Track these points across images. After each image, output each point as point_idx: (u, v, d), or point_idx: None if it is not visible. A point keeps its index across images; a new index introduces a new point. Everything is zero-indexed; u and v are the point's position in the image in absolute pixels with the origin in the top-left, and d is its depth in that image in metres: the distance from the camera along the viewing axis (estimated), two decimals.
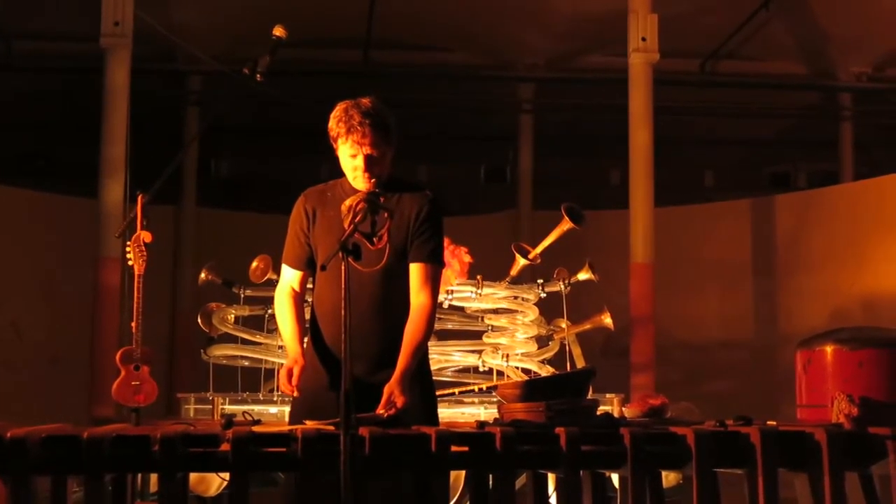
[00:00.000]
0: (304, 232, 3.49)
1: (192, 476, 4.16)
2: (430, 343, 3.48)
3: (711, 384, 11.04)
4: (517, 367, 6.59)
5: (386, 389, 3.22)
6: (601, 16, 10.85)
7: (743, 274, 11.88)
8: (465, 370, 6.77)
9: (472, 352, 6.62)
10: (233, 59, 9.79)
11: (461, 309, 6.76)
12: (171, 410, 7.37)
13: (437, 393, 3.94)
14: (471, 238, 6.85)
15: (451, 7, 11.23)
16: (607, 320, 7.09)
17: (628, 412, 3.91)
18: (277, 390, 6.16)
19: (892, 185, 10.69)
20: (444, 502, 3.36)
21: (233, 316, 6.66)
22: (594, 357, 7.43)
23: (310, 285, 3.58)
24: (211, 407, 6.24)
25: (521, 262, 6.78)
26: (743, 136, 14.09)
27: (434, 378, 3.64)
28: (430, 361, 3.63)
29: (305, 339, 3.49)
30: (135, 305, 3.54)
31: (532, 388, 3.53)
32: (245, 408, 5.95)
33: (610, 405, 6.35)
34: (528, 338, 6.71)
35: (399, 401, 3.20)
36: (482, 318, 6.75)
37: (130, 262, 3.58)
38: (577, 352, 7.05)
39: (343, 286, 2.87)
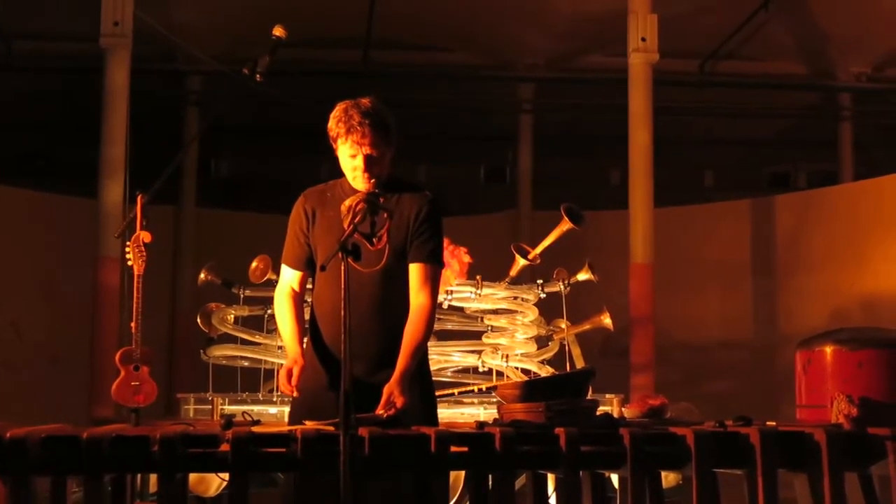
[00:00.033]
0: (303, 232, 3.49)
1: (192, 476, 4.16)
2: (429, 343, 3.48)
3: (711, 384, 11.04)
4: (517, 368, 6.59)
5: (385, 390, 3.22)
6: (601, 16, 10.85)
7: (742, 274, 11.88)
8: (465, 370, 6.76)
9: (472, 352, 6.62)
10: (233, 59, 9.80)
11: (461, 309, 6.76)
12: (170, 411, 7.38)
13: (437, 393, 3.93)
14: (470, 238, 6.85)
15: (451, 7, 11.23)
16: (607, 321, 7.09)
17: (628, 412, 3.91)
18: (277, 390, 6.16)
19: (891, 185, 10.69)
20: (444, 503, 3.35)
21: (232, 316, 6.66)
22: (594, 357, 7.43)
23: (309, 286, 3.58)
24: (210, 407, 6.24)
25: (520, 262, 6.78)
26: (742, 136, 14.10)
27: (434, 378, 3.64)
28: (430, 362, 3.63)
29: (305, 340, 3.49)
30: (134, 306, 3.53)
31: (532, 388, 3.53)
32: (244, 408, 5.95)
33: (609, 405, 6.35)
34: (527, 338, 6.71)
35: (399, 401, 3.20)
36: (482, 318, 6.75)
37: (130, 263, 3.58)
38: (576, 352, 7.05)
39: (343, 286, 2.87)
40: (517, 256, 6.79)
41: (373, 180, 3.34)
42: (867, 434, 3.37)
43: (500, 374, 6.56)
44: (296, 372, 3.30)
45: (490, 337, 6.62)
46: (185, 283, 11.72)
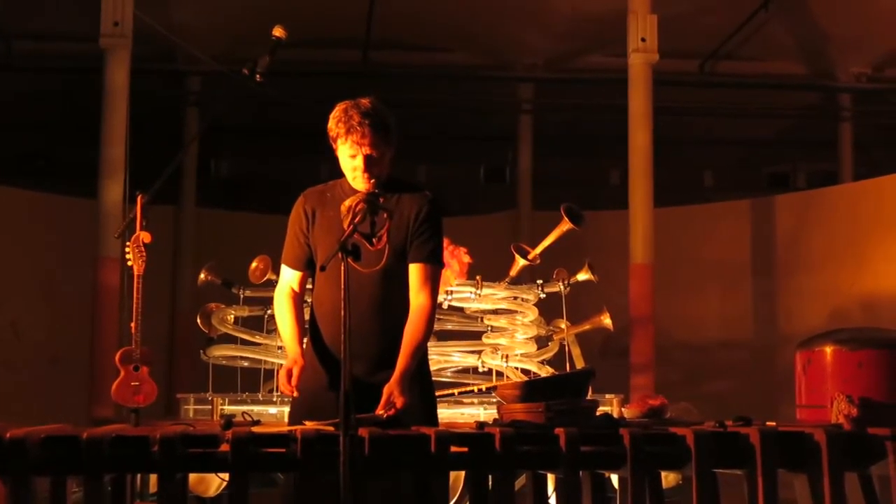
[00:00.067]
0: (303, 232, 3.48)
1: (192, 476, 4.16)
2: (429, 343, 3.48)
3: (711, 384, 11.05)
4: (517, 368, 6.59)
5: (385, 390, 3.22)
6: (601, 16, 10.85)
7: (742, 274, 11.89)
8: (465, 371, 6.76)
9: (472, 352, 6.62)
10: (232, 60, 9.79)
11: (461, 309, 6.76)
12: (170, 411, 7.37)
13: (437, 393, 3.93)
14: (470, 238, 6.85)
15: (450, 7, 11.23)
16: (607, 321, 7.09)
17: (628, 413, 3.91)
18: (277, 391, 6.16)
19: (891, 185, 10.69)
20: (444, 503, 3.35)
21: (232, 316, 6.66)
22: (594, 357, 7.43)
23: (309, 286, 3.58)
24: (210, 407, 6.24)
25: (520, 262, 6.78)
26: (742, 136, 14.10)
27: (434, 378, 3.64)
28: (430, 362, 3.63)
29: (305, 340, 3.49)
30: (134, 306, 3.53)
31: (531, 388, 3.53)
32: (244, 408, 5.95)
33: (609, 406, 6.35)
34: (527, 338, 6.71)
35: (398, 401, 3.20)
36: (482, 318, 6.75)
37: (130, 263, 3.57)
38: (576, 352, 7.05)
39: (342, 287, 2.87)
40: (517, 256, 6.79)
41: (373, 180, 3.34)
42: (867, 434, 3.37)
43: (499, 374, 6.56)
44: (296, 372, 3.30)
45: (490, 337, 6.62)
46: (185, 284, 11.72)
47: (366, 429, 2.99)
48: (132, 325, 3.52)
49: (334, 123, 3.35)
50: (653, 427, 3.37)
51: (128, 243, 3.59)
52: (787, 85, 12.83)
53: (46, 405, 9.00)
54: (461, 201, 12.61)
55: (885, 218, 10.62)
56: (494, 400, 5.83)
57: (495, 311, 6.74)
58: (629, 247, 9.68)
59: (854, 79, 12.82)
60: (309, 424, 3.14)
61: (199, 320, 6.71)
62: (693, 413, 3.91)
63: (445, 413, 5.78)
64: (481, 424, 3.29)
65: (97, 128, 9.18)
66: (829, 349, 4.07)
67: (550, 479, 3.65)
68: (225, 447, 2.94)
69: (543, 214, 10.45)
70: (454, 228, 5.39)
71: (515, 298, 6.71)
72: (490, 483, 3.05)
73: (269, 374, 6.58)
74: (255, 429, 3.12)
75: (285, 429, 3.13)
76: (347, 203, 3.23)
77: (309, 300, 3.56)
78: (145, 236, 3.57)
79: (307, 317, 3.54)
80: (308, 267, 3.51)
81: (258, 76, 3.71)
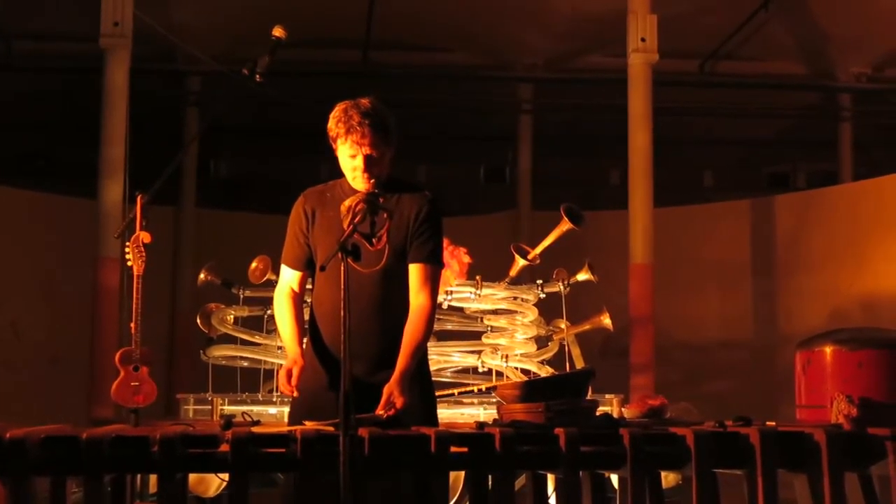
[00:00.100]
0: (303, 232, 3.48)
1: (192, 477, 4.16)
2: (429, 344, 3.48)
3: (711, 384, 11.05)
4: (516, 368, 6.59)
5: (385, 390, 3.22)
6: (601, 16, 10.85)
7: (742, 274, 11.89)
8: (465, 371, 6.76)
9: (472, 352, 6.62)
10: (232, 60, 9.80)
11: (460, 309, 6.76)
12: (170, 411, 7.37)
13: (437, 394, 3.93)
14: (470, 238, 6.85)
15: (450, 7, 11.23)
16: (606, 321, 7.09)
17: (628, 413, 3.91)
18: (277, 391, 6.16)
19: (891, 185, 10.69)
20: (444, 503, 3.35)
21: (232, 316, 6.66)
22: (593, 358, 7.42)
23: (309, 286, 3.58)
24: (210, 407, 6.24)
25: (520, 262, 6.78)
26: (742, 136, 14.10)
27: (433, 379, 3.64)
28: (430, 362, 3.63)
29: (305, 340, 3.49)
30: (134, 306, 3.53)
31: (531, 388, 3.53)
32: (244, 408, 5.95)
33: (609, 406, 6.35)
34: (527, 338, 6.71)
35: (398, 401, 3.20)
36: (481, 318, 6.75)
37: (130, 263, 3.57)
38: (576, 352, 7.05)
39: (342, 287, 2.87)
40: (517, 257, 6.79)
41: (372, 180, 3.34)
42: (867, 434, 3.37)
43: (499, 374, 6.56)
44: (295, 372, 3.30)
45: (490, 337, 6.62)
46: (184, 284, 11.72)
47: (366, 429, 2.99)
48: (132, 325, 3.52)
49: (334, 123, 3.35)
50: (653, 427, 3.37)
51: (128, 243, 3.58)
52: (787, 85, 12.84)
53: (46, 405, 9.00)
54: (461, 201, 12.61)
55: (885, 218, 10.63)
56: (494, 400, 5.83)
57: (495, 312, 6.74)
58: (629, 247, 9.68)
59: (854, 79, 12.82)
60: (309, 424, 3.14)
61: (198, 320, 6.70)
62: (693, 413, 3.91)
63: (445, 413, 5.78)
64: (481, 424, 3.29)
65: (97, 128, 9.18)
66: (828, 349, 4.06)
67: (550, 480, 3.65)
68: (225, 447, 2.94)
69: (543, 214, 10.45)
70: (454, 228, 5.38)
71: (515, 298, 6.71)
72: (490, 483, 3.05)
73: (269, 375, 6.58)
74: (255, 429, 3.12)
75: (285, 429, 3.13)
76: (347, 203, 3.23)
77: (309, 300, 3.56)
78: (145, 236, 3.57)
79: (307, 317, 3.54)
80: (308, 267, 3.51)
81: (258, 76, 3.71)
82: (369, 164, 3.34)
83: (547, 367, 6.78)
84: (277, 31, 3.77)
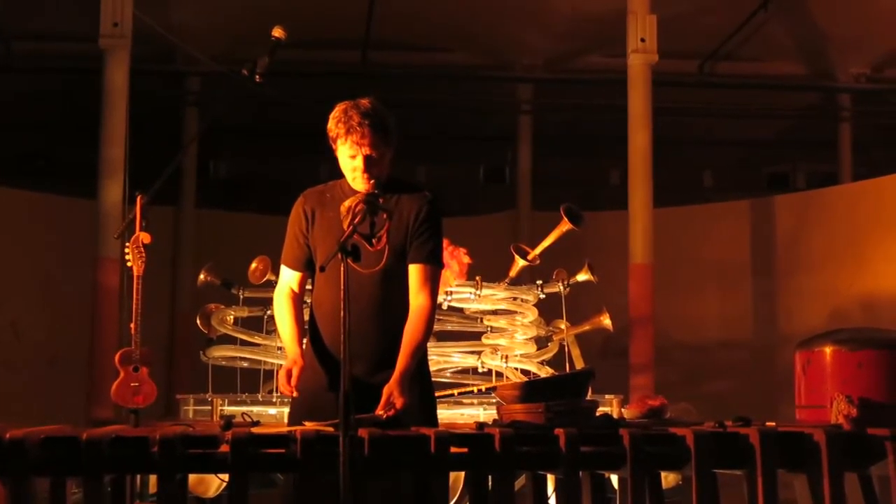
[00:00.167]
0: (303, 233, 3.48)
1: (192, 477, 4.16)
2: (429, 344, 3.48)
3: (710, 385, 11.05)
4: (516, 369, 6.58)
5: (385, 390, 3.22)
6: (600, 16, 10.86)
7: (742, 274, 11.89)
8: (465, 371, 6.76)
9: (472, 353, 6.62)
10: (232, 60, 9.81)
11: (460, 310, 6.75)
12: (170, 411, 7.37)
13: (437, 394, 3.93)
14: (470, 239, 6.85)
15: (450, 7, 11.24)
16: (606, 321, 7.09)
17: (627, 413, 3.91)
18: (276, 391, 6.15)
19: (890, 185, 10.70)
20: (444, 503, 3.35)
21: (232, 317, 6.65)
22: (593, 358, 7.42)
23: (309, 286, 3.58)
24: (210, 408, 6.23)
25: (520, 262, 6.77)
26: (742, 136, 14.11)
27: (433, 379, 3.64)
28: (430, 363, 3.63)
29: (304, 340, 3.49)
30: (134, 306, 3.53)
31: (531, 389, 3.53)
32: (244, 409, 5.94)
33: (609, 406, 6.35)
34: (527, 339, 6.70)
35: (398, 402, 3.20)
36: (481, 319, 6.75)
37: (129, 263, 3.57)
38: (576, 353, 7.05)
39: (342, 287, 2.87)
40: (516, 257, 6.79)
41: (372, 181, 3.34)
42: (867, 434, 3.37)
43: (499, 374, 6.55)
44: (295, 372, 3.30)
45: (489, 338, 6.61)
46: (184, 284, 11.72)
47: (365, 429, 2.99)
48: (132, 325, 3.52)
49: (334, 124, 3.35)
50: (652, 427, 3.37)
51: (127, 244, 3.58)
52: (786, 85, 12.85)
53: (46, 406, 9.01)
54: (461, 201, 12.62)
55: (884, 218, 10.63)
56: (494, 400, 5.82)
57: (495, 312, 6.73)
58: (629, 247, 9.68)
59: (854, 79, 12.83)
60: (309, 425, 3.14)
61: (198, 321, 6.70)
62: (693, 413, 3.91)
63: (445, 413, 5.78)
64: (481, 425, 3.28)
65: (97, 128, 9.18)
66: (828, 349, 4.06)
67: (550, 480, 3.65)
68: (224, 448, 2.94)
69: (543, 215, 10.46)
70: (454, 229, 5.38)
71: (515, 299, 6.70)
72: (490, 483, 3.05)
73: (269, 375, 6.58)
74: (255, 429, 3.12)
75: (285, 429, 3.13)
76: (347, 204, 3.23)
77: (308, 301, 3.56)
78: (145, 237, 3.57)
79: (307, 317, 3.54)
80: (308, 267, 3.51)
81: (258, 76, 3.71)
82: (369, 165, 3.34)
83: (547, 367, 6.77)
84: (277, 32, 3.77)
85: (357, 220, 3.14)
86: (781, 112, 13.37)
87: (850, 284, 10.74)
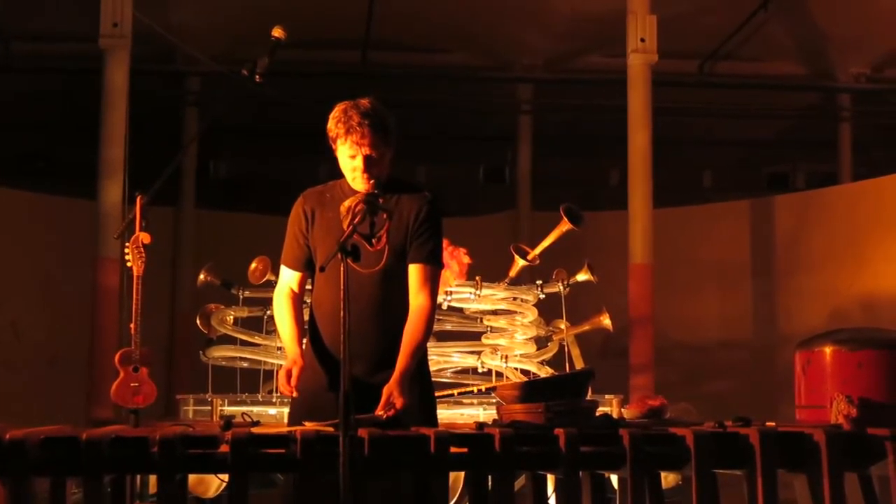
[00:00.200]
0: (302, 233, 3.48)
1: (191, 477, 4.16)
2: (429, 344, 3.48)
3: (710, 385, 11.05)
4: (516, 369, 6.58)
5: (385, 390, 3.22)
6: (600, 16, 10.86)
7: (742, 274, 11.89)
8: (464, 371, 6.76)
9: (471, 353, 6.61)
10: (232, 60, 9.81)
11: (460, 310, 6.75)
12: (169, 412, 7.37)
13: (436, 394, 3.93)
14: (470, 239, 6.85)
15: (450, 7, 11.24)
16: (606, 321, 7.09)
17: (627, 413, 3.91)
18: (276, 391, 6.15)
19: (890, 185, 10.70)
20: (444, 503, 3.35)
21: (232, 317, 6.65)
22: (593, 358, 7.42)
23: (309, 286, 3.58)
24: (210, 408, 6.23)
25: (519, 263, 6.77)
26: (742, 136, 14.11)
27: (433, 379, 3.64)
28: (430, 363, 3.63)
29: (304, 341, 3.49)
30: (134, 306, 3.53)
31: (531, 389, 3.53)
32: (244, 409, 5.94)
33: (609, 406, 6.35)
34: (527, 339, 6.70)
35: (398, 402, 3.20)
36: (481, 319, 6.75)
37: (129, 264, 3.57)
38: (576, 353, 7.05)
39: (342, 287, 2.87)
40: (516, 257, 6.79)
41: (372, 181, 3.34)
42: (867, 434, 3.37)
43: (499, 374, 6.55)
44: (295, 373, 3.30)
45: (489, 338, 6.61)
46: (184, 284, 11.72)
47: (365, 429, 2.99)
48: (132, 325, 3.52)
49: (334, 124, 3.35)
50: (652, 427, 3.37)
51: (127, 244, 3.58)
52: (786, 85, 12.85)
53: (46, 406, 9.00)
54: (461, 202, 12.62)
55: (884, 218, 10.63)
56: (494, 400, 5.82)
57: (495, 312, 6.73)
58: (628, 247, 9.68)
59: (853, 79, 12.83)
60: (308, 425, 3.14)
61: (198, 321, 6.70)
62: (692, 413, 3.92)
63: (445, 413, 5.78)
64: (481, 425, 3.28)
65: (97, 128, 9.18)
66: (828, 349, 4.06)
67: (550, 480, 3.65)
68: (224, 448, 2.94)
69: (543, 215, 10.46)
70: (454, 229, 5.38)
71: (515, 299, 6.70)
72: (490, 483, 3.05)
73: (269, 375, 6.58)
74: (255, 429, 3.12)
75: (285, 429, 3.13)
76: (347, 204, 3.24)
77: (308, 301, 3.56)
78: (145, 237, 3.57)
79: (307, 317, 3.54)
80: (307, 268, 3.51)
81: (257, 76, 3.71)
82: (369, 165, 3.34)
83: (547, 367, 6.77)
84: (277, 32, 3.77)
85: (357, 220, 3.14)
86: (781, 112, 13.36)
87: (850, 284, 10.73)
